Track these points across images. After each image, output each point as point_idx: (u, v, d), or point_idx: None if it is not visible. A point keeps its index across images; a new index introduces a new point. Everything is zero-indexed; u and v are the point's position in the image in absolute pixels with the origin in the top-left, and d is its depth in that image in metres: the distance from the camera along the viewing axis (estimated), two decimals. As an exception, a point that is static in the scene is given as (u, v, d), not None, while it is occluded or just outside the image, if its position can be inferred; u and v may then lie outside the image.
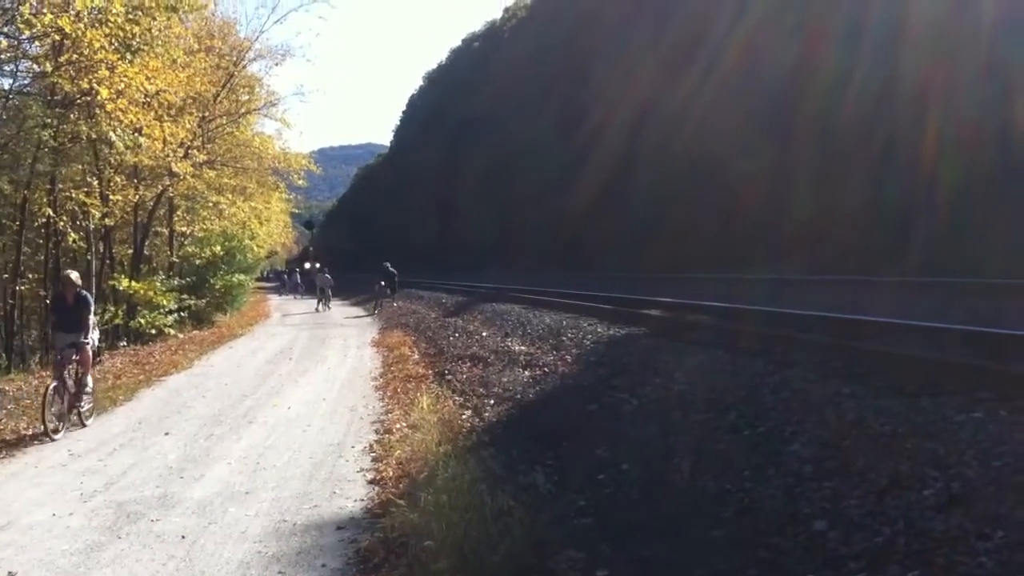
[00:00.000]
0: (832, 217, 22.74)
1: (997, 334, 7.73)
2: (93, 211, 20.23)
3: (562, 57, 51.14)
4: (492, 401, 10.17)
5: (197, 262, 29.23)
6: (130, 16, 17.01)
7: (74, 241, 20.59)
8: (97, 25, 16.29)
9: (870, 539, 4.17)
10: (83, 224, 21.59)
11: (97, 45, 16.33)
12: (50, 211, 19.02)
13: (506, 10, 79.75)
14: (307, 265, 56.65)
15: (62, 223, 19.42)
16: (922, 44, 22.08)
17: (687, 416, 7.25)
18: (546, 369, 11.36)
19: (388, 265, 31.32)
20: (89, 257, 22.53)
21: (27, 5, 16.31)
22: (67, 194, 20.25)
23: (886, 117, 22.57)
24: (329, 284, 35.38)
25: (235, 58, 28.18)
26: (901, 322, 9.24)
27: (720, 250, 27.02)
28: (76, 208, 20.52)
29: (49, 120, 17.65)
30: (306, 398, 12.09)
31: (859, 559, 4.03)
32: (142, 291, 22.63)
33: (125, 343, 21.54)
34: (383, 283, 31.03)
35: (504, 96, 61.51)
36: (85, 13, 15.84)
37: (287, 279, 59.17)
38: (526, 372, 11.53)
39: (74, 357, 10.21)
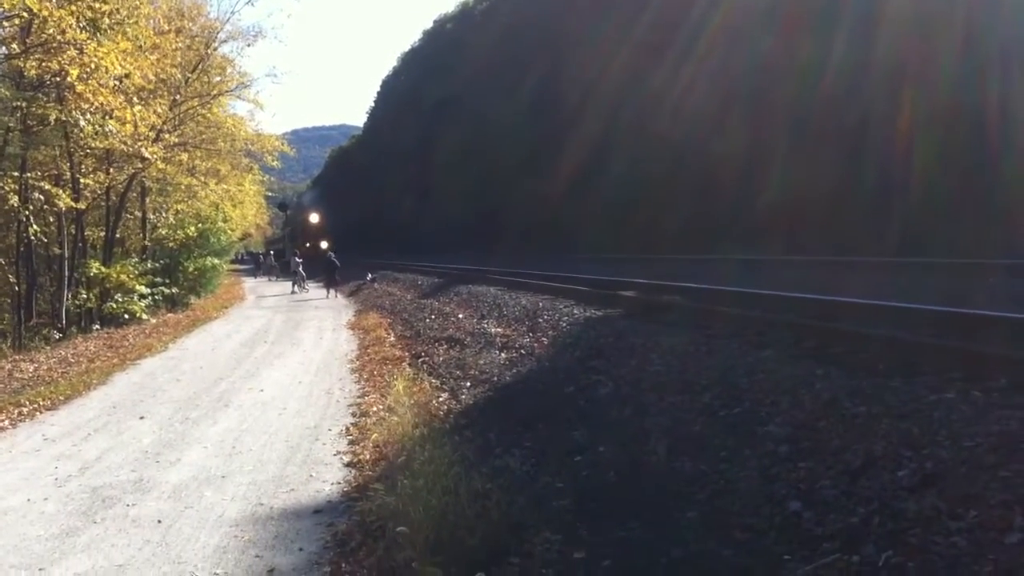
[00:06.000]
0: (807, 197, 22.83)
1: (968, 314, 7.79)
2: (58, 202, 19.93)
3: (537, 38, 50.95)
4: (468, 383, 10.18)
5: (170, 245, 29.05)
6: (99, -6, 16.79)
7: (35, 233, 20.27)
8: (65, 4, 16.03)
9: (845, 519, 4.20)
10: (52, 209, 21.33)
11: (65, 25, 16.08)
12: (16, 200, 18.69)
13: (478, -9, 79.34)
14: (325, 245, 53.79)
15: (26, 214, 19.08)
16: (897, 23, 22.18)
17: (663, 398, 7.27)
18: (522, 351, 11.36)
19: (332, 255, 32.81)
20: (60, 241, 22.30)
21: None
22: (34, 182, 19.95)
23: (861, 97, 22.70)
24: (298, 265, 35.62)
25: (206, 39, 27.80)
26: (874, 302, 9.26)
27: (695, 231, 27.09)
28: (40, 196, 20.21)
29: (18, 103, 17.40)
30: (282, 381, 12.08)
31: (834, 539, 4.06)
32: (115, 276, 22.47)
33: (99, 327, 21.39)
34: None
35: (478, 78, 61.32)
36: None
37: (262, 261, 58.75)
38: (502, 354, 11.53)
39: None
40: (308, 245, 54.23)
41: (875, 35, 22.68)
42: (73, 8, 16.15)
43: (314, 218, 61.93)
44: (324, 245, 48.70)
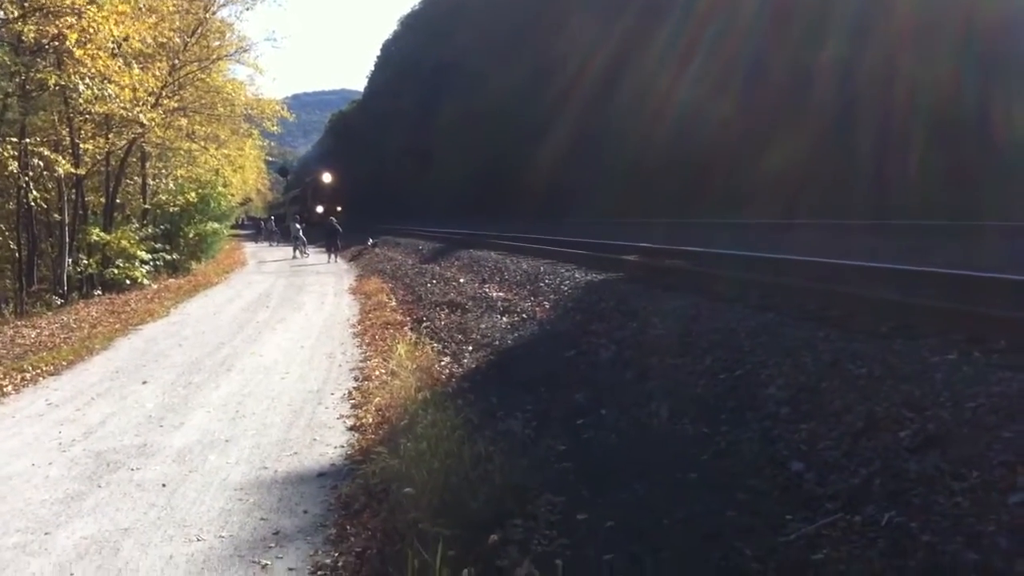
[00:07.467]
0: (806, 162, 22.77)
1: (970, 276, 7.78)
2: (58, 168, 19.83)
3: (538, 3, 50.46)
4: (470, 347, 10.20)
5: (171, 209, 28.99)
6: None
7: (35, 200, 20.17)
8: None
9: (846, 480, 4.22)
10: (52, 175, 21.26)
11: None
12: (15, 166, 18.59)
13: (480, -45, 78.43)
14: (319, 209, 49.68)
15: (26, 179, 18.99)
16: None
17: (664, 361, 7.28)
18: (524, 315, 11.36)
19: (333, 220, 33.24)
20: (60, 207, 22.24)
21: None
22: (34, 148, 19.83)
23: (861, 61, 22.53)
24: (298, 231, 35.74)
25: (204, 2, 27.54)
26: (873, 265, 9.26)
27: (696, 196, 26.99)
28: (39, 162, 20.11)
29: (17, 68, 17.30)
30: (284, 345, 12.10)
31: (836, 499, 4.08)
32: (115, 242, 22.46)
33: (100, 292, 21.39)
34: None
35: (480, 43, 60.76)
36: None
37: (263, 226, 58.48)
38: (504, 318, 11.53)
39: None
40: (322, 210, 51.39)
41: (874, 4, 22.58)
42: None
43: (327, 178, 59.47)
44: (339, 209, 46.58)
